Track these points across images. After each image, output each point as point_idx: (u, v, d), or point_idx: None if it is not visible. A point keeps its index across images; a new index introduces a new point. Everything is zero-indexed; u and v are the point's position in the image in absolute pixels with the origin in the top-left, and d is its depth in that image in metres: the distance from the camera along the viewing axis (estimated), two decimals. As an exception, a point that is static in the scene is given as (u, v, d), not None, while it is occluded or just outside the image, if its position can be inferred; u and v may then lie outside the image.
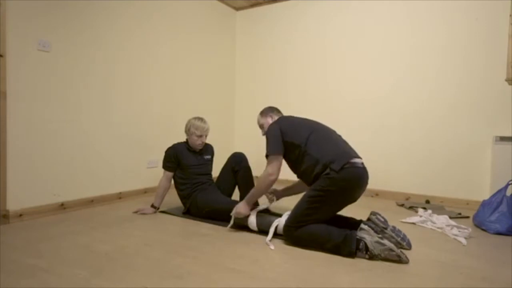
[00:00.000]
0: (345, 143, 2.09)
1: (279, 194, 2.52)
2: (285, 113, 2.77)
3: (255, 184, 2.20)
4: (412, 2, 3.33)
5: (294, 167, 2.12)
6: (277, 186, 2.62)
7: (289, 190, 2.51)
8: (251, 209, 2.18)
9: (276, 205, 2.79)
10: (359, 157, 1.98)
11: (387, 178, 3.45)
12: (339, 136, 2.15)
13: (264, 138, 2.23)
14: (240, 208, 2.15)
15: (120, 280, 1.49)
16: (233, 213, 2.18)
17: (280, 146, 2.04)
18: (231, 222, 2.21)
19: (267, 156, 2.05)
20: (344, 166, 1.88)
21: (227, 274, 1.57)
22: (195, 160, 2.65)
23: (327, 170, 1.89)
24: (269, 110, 2.37)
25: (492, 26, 2.97)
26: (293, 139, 2.03)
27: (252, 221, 2.16)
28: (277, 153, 2.03)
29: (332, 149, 1.97)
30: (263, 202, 2.38)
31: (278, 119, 2.20)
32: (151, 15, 3.30)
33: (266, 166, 2.04)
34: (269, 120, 2.32)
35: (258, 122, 2.39)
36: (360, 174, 1.91)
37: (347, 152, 1.96)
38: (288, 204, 2.82)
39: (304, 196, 1.96)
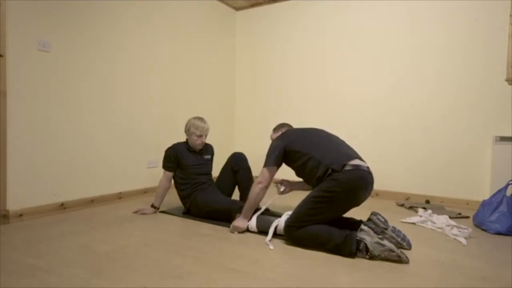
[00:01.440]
0: (347, 146, 2.11)
1: (287, 183, 2.45)
2: (286, 113, 2.75)
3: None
4: (412, 2, 3.33)
5: (299, 173, 2.15)
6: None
7: (301, 184, 2.42)
8: (253, 213, 2.19)
9: (276, 205, 2.79)
10: (362, 160, 1.99)
11: (387, 178, 3.45)
12: (342, 141, 2.17)
13: (264, 138, 2.26)
14: (238, 223, 2.18)
15: (120, 280, 1.49)
16: (231, 229, 2.20)
17: (275, 160, 2.10)
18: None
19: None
20: (346, 167, 1.88)
21: (227, 274, 1.57)
22: (195, 160, 2.65)
23: (329, 171, 1.90)
24: (281, 126, 2.43)
25: (492, 26, 2.97)
26: (296, 147, 2.08)
27: (253, 224, 2.16)
28: (270, 165, 2.10)
29: (333, 152, 1.99)
30: (262, 202, 2.37)
31: (282, 134, 2.26)
32: (151, 15, 3.30)
33: (259, 175, 2.12)
34: (278, 135, 2.35)
35: (271, 138, 2.44)
36: (364, 176, 1.91)
37: (349, 154, 1.97)
38: (288, 204, 2.82)
39: (308, 196, 1.96)
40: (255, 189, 2.11)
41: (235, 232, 2.19)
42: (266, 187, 2.12)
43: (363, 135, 3.59)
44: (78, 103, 2.71)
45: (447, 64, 3.17)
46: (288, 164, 2.17)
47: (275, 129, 2.45)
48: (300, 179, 2.27)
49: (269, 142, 2.33)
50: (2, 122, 2.26)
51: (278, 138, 2.23)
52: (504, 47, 2.92)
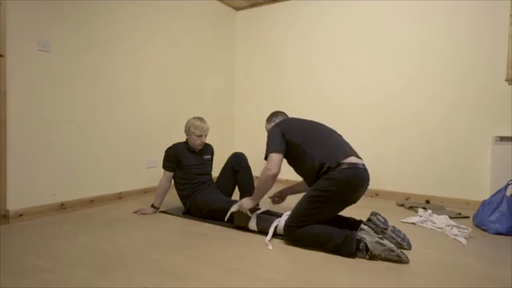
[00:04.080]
0: (345, 143, 2.09)
1: (284, 195, 2.52)
2: (286, 112, 2.73)
3: (255, 184, 2.19)
4: (412, 2, 3.33)
5: (294, 166, 2.13)
6: (278, 186, 2.61)
7: (292, 189, 2.52)
8: (252, 212, 2.18)
9: (276, 205, 2.79)
10: (359, 157, 1.98)
11: (387, 178, 3.45)
12: (340, 136, 2.14)
13: (264, 138, 2.25)
14: (246, 202, 2.11)
15: (120, 280, 1.49)
16: (236, 208, 2.13)
17: (279, 144, 2.02)
18: (228, 214, 2.17)
19: (266, 157, 2.03)
20: (342, 165, 1.87)
21: (227, 274, 1.57)
22: (195, 160, 2.65)
23: (324, 169, 1.90)
24: (273, 116, 2.39)
25: (492, 26, 2.97)
26: (293, 138, 2.04)
27: (253, 222, 2.16)
28: (275, 150, 2.00)
29: (330, 149, 1.97)
30: (263, 202, 2.37)
31: (279, 122, 2.21)
32: (151, 15, 3.30)
33: (267, 163, 2.00)
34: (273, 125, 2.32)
35: (266, 129, 2.38)
36: (360, 174, 1.91)
37: (345, 151, 1.96)
38: (288, 204, 2.82)
39: (305, 196, 1.96)
40: (263, 176, 1.99)
41: (228, 227, 2.19)
42: (276, 175, 1.98)
43: (363, 135, 3.59)
44: (78, 103, 2.71)
45: (447, 64, 3.17)
46: (287, 158, 2.12)
47: (268, 120, 2.40)
48: (292, 185, 2.30)
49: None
50: (2, 122, 2.26)
51: (275, 126, 2.16)
52: (504, 47, 2.91)
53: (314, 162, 1.95)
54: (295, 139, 2.04)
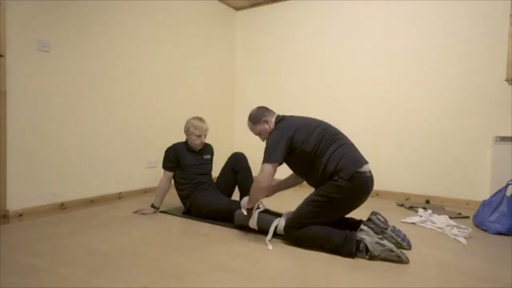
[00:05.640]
0: (353, 147, 2.00)
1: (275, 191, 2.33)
2: (286, 113, 2.69)
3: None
4: (411, 2, 3.33)
5: (301, 173, 2.07)
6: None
7: (280, 186, 2.31)
8: (254, 209, 2.17)
9: (276, 205, 2.79)
10: (366, 162, 1.93)
11: (387, 178, 3.45)
12: (347, 139, 2.04)
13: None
14: (244, 201, 2.26)
15: (120, 280, 1.49)
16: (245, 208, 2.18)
17: (280, 154, 1.91)
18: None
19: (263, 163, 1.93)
20: (354, 175, 1.83)
21: (227, 274, 1.57)
22: (195, 160, 2.65)
23: (335, 177, 1.85)
24: (261, 115, 2.13)
25: (492, 26, 2.97)
26: (304, 147, 1.93)
27: (253, 220, 2.16)
28: (272, 161, 1.90)
29: (342, 156, 1.89)
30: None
31: (287, 124, 2.03)
32: (151, 15, 3.30)
33: (259, 173, 1.93)
34: (266, 127, 2.11)
35: (253, 130, 2.17)
36: (367, 183, 1.88)
37: (357, 160, 1.89)
38: (289, 204, 2.82)
39: (308, 199, 1.94)
40: (255, 187, 1.99)
41: (232, 227, 2.24)
42: (267, 187, 1.97)
43: (363, 135, 3.58)
44: (78, 103, 2.71)
45: (447, 64, 3.17)
46: (289, 162, 2.03)
47: (255, 120, 2.14)
48: (278, 183, 2.28)
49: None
50: (2, 122, 2.26)
51: (279, 129, 2.01)
52: (504, 47, 2.91)
53: (325, 171, 1.89)
54: (307, 148, 1.92)
